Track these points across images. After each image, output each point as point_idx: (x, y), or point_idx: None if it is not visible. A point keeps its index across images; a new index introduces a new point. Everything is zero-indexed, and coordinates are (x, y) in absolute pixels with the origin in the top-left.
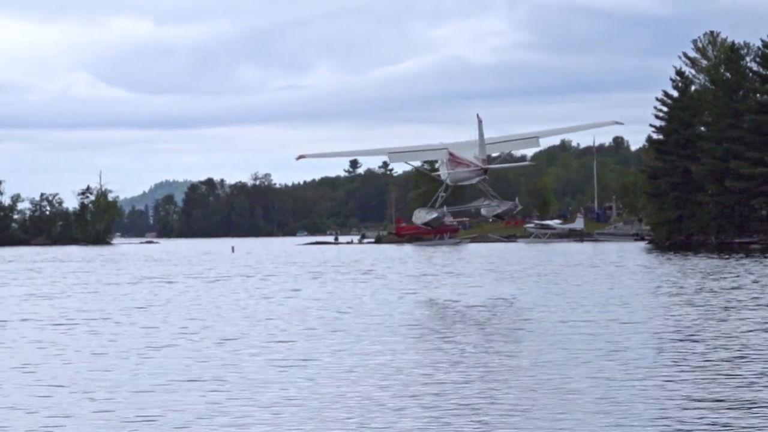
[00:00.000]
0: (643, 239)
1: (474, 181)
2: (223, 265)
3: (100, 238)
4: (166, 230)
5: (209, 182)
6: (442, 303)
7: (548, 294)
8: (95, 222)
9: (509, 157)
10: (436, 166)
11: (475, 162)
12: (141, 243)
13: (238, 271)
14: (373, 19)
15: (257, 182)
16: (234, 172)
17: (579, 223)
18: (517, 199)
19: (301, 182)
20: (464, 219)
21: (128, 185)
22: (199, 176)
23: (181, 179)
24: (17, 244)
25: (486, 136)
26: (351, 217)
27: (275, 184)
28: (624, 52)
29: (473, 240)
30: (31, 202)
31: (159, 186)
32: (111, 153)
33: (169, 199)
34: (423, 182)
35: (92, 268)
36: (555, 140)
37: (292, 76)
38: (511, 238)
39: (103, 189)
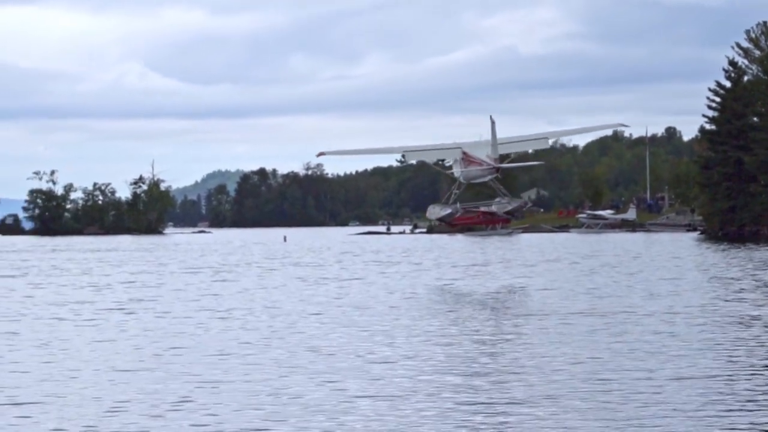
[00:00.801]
0: (695, 230)
1: (486, 178)
2: (275, 254)
3: (153, 228)
4: (218, 220)
5: (261, 172)
6: (496, 292)
7: (602, 285)
8: (148, 211)
9: (563, 148)
10: (450, 163)
11: (488, 161)
12: (193, 233)
13: (290, 261)
14: (424, 9)
15: (309, 172)
16: (286, 162)
17: (631, 214)
18: (525, 197)
19: (354, 172)
20: None
21: (181, 175)
22: (251, 166)
23: (233, 169)
24: (70, 234)
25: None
26: (403, 207)
27: (327, 174)
28: (676, 43)
29: (525, 230)
30: (84, 191)
31: (211, 176)
32: (163, 143)
33: (221, 188)
34: None
35: (149, 258)
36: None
37: (343, 66)
38: (563, 228)
39: (155, 178)
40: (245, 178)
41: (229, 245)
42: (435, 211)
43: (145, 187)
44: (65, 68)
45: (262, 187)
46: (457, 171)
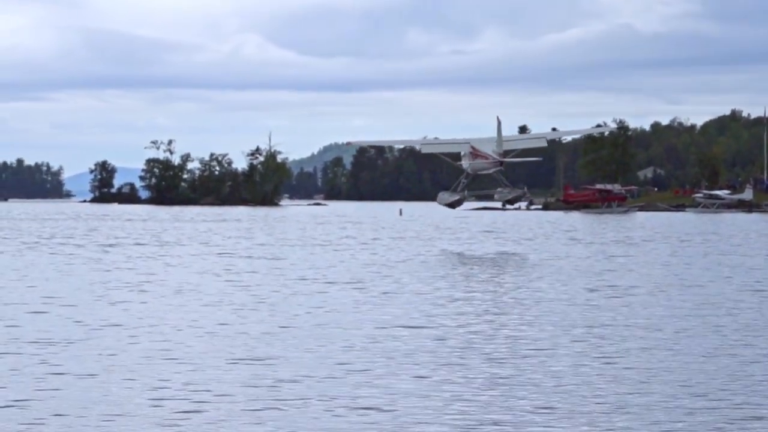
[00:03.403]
0: None
1: (491, 171)
2: (392, 228)
3: (269, 200)
4: (333, 192)
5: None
6: (612, 274)
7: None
8: (264, 183)
9: (680, 127)
10: (462, 156)
11: (493, 155)
12: (309, 205)
13: (409, 235)
14: None
15: None
16: (402, 136)
17: (748, 194)
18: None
19: None
20: (632, 187)
21: (297, 147)
22: (367, 139)
23: None
24: (186, 204)
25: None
26: (518, 183)
27: None
28: None
29: (641, 209)
30: (201, 161)
31: (327, 148)
32: (280, 114)
33: (337, 161)
34: (591, 150)
35: (266, 229)
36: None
37: (459, 41)
38: (679, 207)
39: (272, 150)
40: (362, 151)
41: (346, 218)
42: (444, 198)
43: (261, 159)
44: (184, 39)
45: (378, 161)
46: (465, 163)
